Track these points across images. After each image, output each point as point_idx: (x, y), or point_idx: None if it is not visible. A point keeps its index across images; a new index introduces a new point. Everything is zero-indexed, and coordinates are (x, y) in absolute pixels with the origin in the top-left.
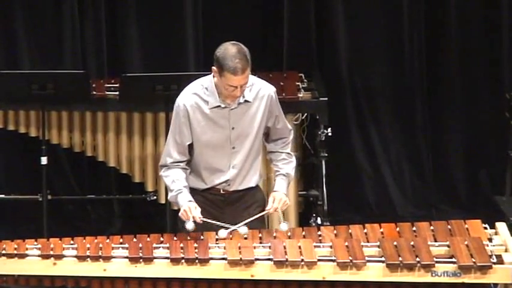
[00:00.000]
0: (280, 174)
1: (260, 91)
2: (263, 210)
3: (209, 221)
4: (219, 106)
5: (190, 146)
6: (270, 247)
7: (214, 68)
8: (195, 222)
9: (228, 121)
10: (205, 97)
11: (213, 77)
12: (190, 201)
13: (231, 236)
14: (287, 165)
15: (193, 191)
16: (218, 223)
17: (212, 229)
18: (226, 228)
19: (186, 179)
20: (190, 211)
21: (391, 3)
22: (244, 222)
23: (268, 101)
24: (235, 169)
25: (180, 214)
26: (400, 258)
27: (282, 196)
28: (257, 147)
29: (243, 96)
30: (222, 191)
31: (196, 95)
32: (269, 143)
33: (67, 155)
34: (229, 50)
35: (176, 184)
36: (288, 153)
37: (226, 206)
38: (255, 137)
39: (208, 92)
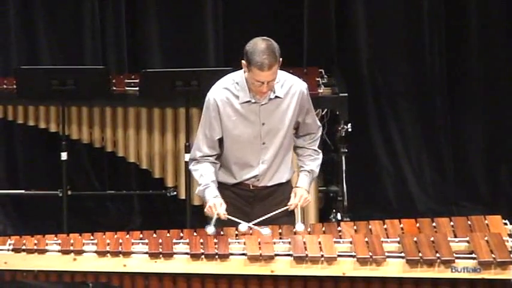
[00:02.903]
0: (304, 170)
1: (292, 87)
2: (275, 211)
3: (233, 218)
4: (249, 101)
5: (221, 141)
6: (289, 243)
7: (243, 62)
8: (216, 222)
9: (258, 116)
10: (236, 92)
11: (244, 71)
12: (216, 196)
13: (251, 230)
14: (312, 161)
15: (223, 186)
16: (242, 222)
17: (235, 225)
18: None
19: (215, 173)
20: (215, 207)
21: (412, 1)
22: (264, 217)
23: (299, 97)
24: (264, 164)
25: (205, 210)
26: (420, 254)
27: (304, 192)
28: (287, 144)
29: (274, 92)
30: (251, 187)
31: (227, 90)
32: (297, 138)
33: (87, 150)
34: (258, 45)
35: (204, 178)
36: (315, 149)
37: (256, 201)
38: (286, 133)
39: (239, 87)
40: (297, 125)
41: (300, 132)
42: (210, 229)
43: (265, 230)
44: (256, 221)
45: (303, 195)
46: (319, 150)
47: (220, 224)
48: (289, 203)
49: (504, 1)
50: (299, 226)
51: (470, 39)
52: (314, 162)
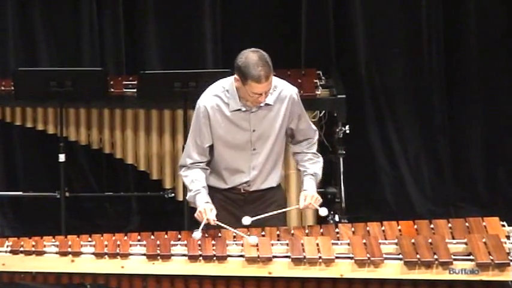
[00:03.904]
0: (308, 174)
1: (282, 93)
2: (284, 209)
3: (223, 225)
4: (239, 109)
5: (211, 147)
6: (287, 244)
7: (236, 76)
8: (206, 226)
9: (248, 123)
10: (226, 99)
11: (235, 80)
12: (207, 202)
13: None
14: (314, 165)
15: (213, 190)
16: (231, 229)
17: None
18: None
19: (206, 179)
20: (206, 213)
21: (410, 1)
22: (270, 213)
23: (289, 102)
24: (255, 170)
25: (195, 215)
26: (418, 256)
27: (314, 193)
28: (278, 149)
29: (264, 100)
30: (242, 190)
31: (218, 97)
32: (294, 144)
33: (85, 152)
34: (251, 58)
35: (195, 184)
36: (314, 153)
37: (246, 204)
38: (276, 139)
39: (229, 95)
40: (290, 131)
41: (296, 138)
42: (197, 234)
43: (252, 238)
44: (259, 217)
45: (314, 195)
46: (319, 154)
47: (211, 229)
48: (300, 205)
49: (503, 0)
50: (323, 211)
51: (468, 39)
52: (316, 165)
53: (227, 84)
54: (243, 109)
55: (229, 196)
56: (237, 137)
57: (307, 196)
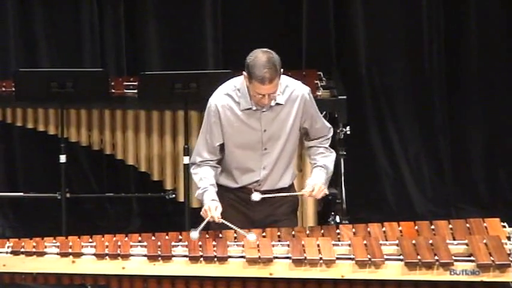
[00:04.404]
0: (317, 166)
1: (293, 93)
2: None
3: (227, 223)
4: (250, 109)
5: (222, 146)
6: (288, 245)
7: (244, 73)
8: (207, 224)
9: (259, 123)
10: (237, 98)
11: (244, 78)
12: (213, 200)
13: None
14: (324, 158)
15: (224, 189)
16: (235, 228)
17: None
18: (243, 232)
19: (215, 177)
20: (210, 210)
21: (411, 2)
22: (279, 194)
23: (301, 102)
24: (266, 170)
25: (201, 212)
26: (419, 257)
27: (319, 183)
28: (290, 149)
29: (275, 100)
30: (253, 190)
31: (229, 96)
32: (308, 141)
33: (86, 153)
34: (259, 59)
35: (203, 182)
36: (326, 147)
37: (257, 204)
38: (287, 139)
39: (240, 94)
40: (305, 130)
41: (311, 136)
42: (194, 234)
43: (251, 236)
44: (268, 196)
45: (318, 184)
46: (331, 149)
47: (217, 227)
48: (304, 191)
49: (503, 1)
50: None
51: (468, 39)
52: (326, 158)
53: (238, 83)
54: (254, 108)
55: (240, 196)
56: (247, 136)
57: (310, 184)
